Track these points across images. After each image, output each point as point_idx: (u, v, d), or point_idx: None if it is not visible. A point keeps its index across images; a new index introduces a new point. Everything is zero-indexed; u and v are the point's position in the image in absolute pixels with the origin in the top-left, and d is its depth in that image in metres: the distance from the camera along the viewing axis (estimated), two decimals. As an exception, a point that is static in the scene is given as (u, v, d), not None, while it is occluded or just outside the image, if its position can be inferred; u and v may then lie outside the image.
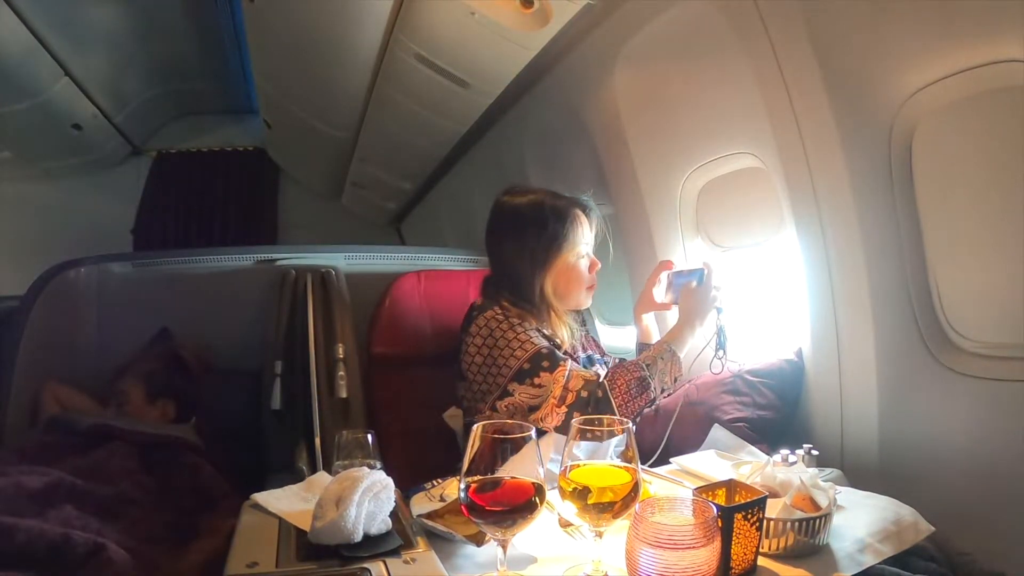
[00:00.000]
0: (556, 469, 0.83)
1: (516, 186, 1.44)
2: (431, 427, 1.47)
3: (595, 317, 2.01)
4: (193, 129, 4.70)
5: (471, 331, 1.30)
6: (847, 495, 1.01)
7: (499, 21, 1.59)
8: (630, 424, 0.82)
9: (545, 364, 1.24)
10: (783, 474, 0.93)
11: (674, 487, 1.08)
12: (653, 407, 1.35)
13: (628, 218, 1.89)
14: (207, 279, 1.87)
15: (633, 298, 1.96)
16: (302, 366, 1.53)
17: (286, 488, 1.04)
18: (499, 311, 1.29)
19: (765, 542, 0.85)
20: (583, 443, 0.81)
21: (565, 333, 1.36)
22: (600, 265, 1.40)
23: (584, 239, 1.37)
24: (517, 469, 0.78)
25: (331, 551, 0.83)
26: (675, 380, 1.30)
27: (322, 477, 1.10)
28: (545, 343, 1.28)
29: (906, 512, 0.94)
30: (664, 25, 1.48)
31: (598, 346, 1.58)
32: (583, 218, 1.37)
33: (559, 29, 1.57)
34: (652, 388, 1.24)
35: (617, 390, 1.22)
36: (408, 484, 1.13)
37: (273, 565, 0.82)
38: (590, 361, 1.45)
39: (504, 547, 0.79)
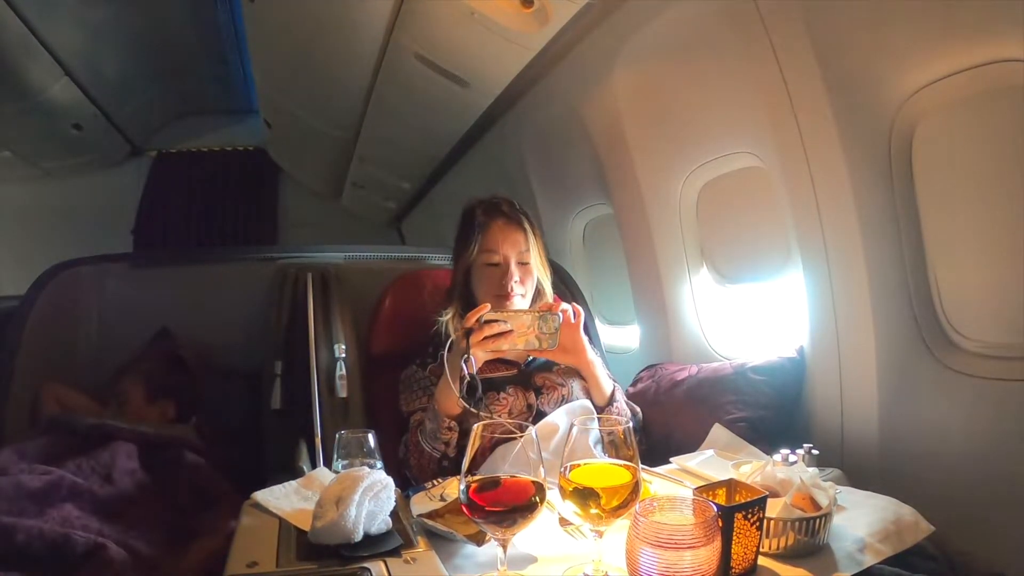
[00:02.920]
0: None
1: (486, 194, 1.47)
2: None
3: (595, 317, 2.01)
4: (193, 129, 4.70)
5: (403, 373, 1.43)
6: (847, 495, 1.01)
7: (499, 21, 1.58)
8: (630, 423, 0.82)
9: (407, 426, 1.36)
10: (783, 473, 0.93)
11: (674, 487, 1.08)
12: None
13: (628, 218, 1.89)
14: (207, 279, 1.87)
15: (633, 298, 1.97)
16: (302, 366, 1.53)
17: (285, 485, 1.04)
18: (411, 367, 1.41)
19: (765, 542, 0.85)
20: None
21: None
22: (514, 278, 1.34)
23: (488, 248, 1.35)
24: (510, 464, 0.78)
25: (331, 551, 0.83)
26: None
27: (321, 473, 1.10)
28: (407, 409, 1.37)
29: (906, 512, 0.94)
30: (664, 25, 1.48)
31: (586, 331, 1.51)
32: (498, 227, 1.36)
33: (559, 29, 1.57)
34: None
35: None
36: (408, 484, 1.14)
37: (273, 565, 0.82)
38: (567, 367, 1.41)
39: (504, 547, 0.79)
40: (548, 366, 1.39)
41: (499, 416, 1.29)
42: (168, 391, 1.64)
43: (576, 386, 1.37)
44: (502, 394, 1.32)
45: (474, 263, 1.37)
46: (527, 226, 1.39)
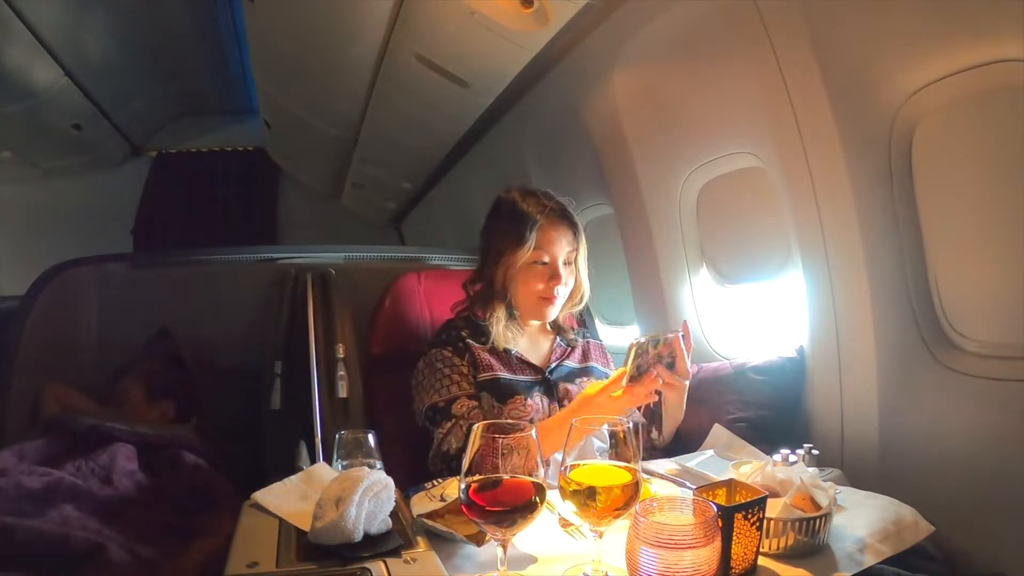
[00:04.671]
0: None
1: (515, 185, 1.42)
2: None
3: (595, 317, 2.01)
4: (193, 129, 4.71)
5: (419, 363, 1.35)
6: (847, 495, 1.01)
7: (499, 21, 1.58)
8: (630, 423, 0.82)
9: (437, 417, 1.28)
10: (783, 474, 0.93)
11: (674, 487, 1.08)
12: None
13: (628, 218, 1.89)
14: (207, 279, 1.87)
15: (633, 298, 1.97)
16: (302, 366, 1.53)
17: (286, 481, 1.04)
18: (439, 351, 1.32)
19: (765, 542, 0.85)
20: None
21: (499, 331, 1.33)
22: (562, 280, 1.31)
23: (540, 246, 1.30)
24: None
25: (331, 551, 0.83)
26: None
27: (322, 468, 1.09)
28: (447, 396, 1.28)
29: (906, 512, 0.94)
30: (664, 25, 1.48)
31: (604, 356, 1.49)
32: (551, 226, 1.31)
33: (559, 29, 1.57)
34: None
35: None
36: (408, 484, 1.14)
37: (273, 565, 0.82)
38: (585, 372, 1.40)
39: (504, 547, 0.79)
40: (571, 377, 1.37)
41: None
42: (168, 391, 1.64)
43: None
44: (529, 400, 1.29)
45: (525, 266, 1.30)
46: (576, 223, 1.34)
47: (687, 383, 1.24)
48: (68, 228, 4.11)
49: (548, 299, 1.32)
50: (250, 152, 4.79)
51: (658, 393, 1.23)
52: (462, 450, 1.22)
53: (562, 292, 1.32)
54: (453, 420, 1.26)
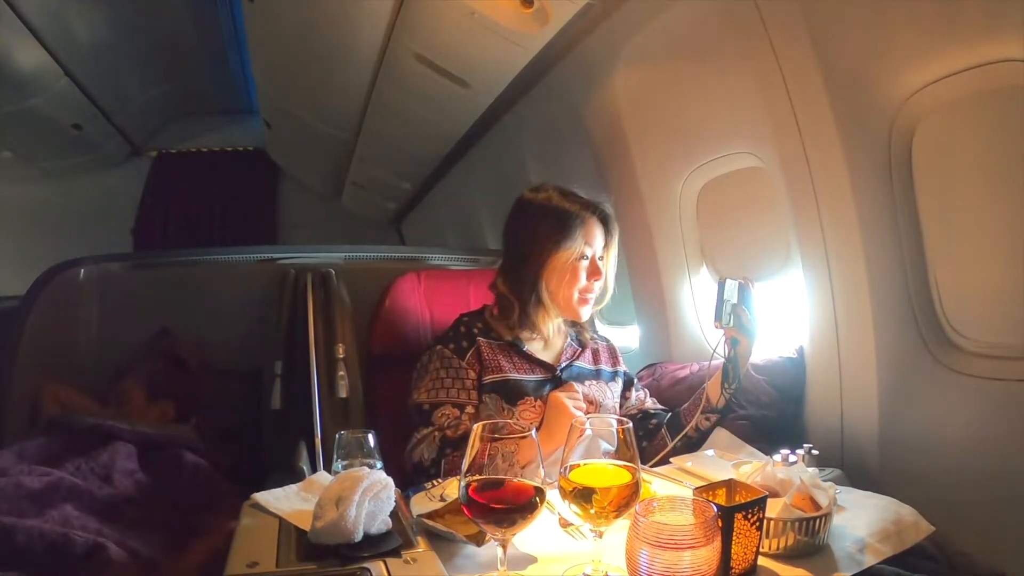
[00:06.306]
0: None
1: (543, 184, 1.41)
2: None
3: (595, 317, 2.00)
4: (193, 129, 4.72)
5: (423, 356, 1.35)
6: (847, 495, 1.01)
7: (499, 21, 1.59)
8: (630, 423, 0.82)
9: (419, 418, 1.28)
10: (783, 474, 0.93)
11: (674, 487, 1.08)
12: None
13: (628, 218, 1.89)
14: (207, 279, 1.87)
15: (633, 298, 1.97)
16: (302, 366, 1.53)
17: (286, 488, 1.04)
18: (442, 348, 1.31)
19: (765, 542, 0.85)
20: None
21: (550, 330, 1.33)
22: (603, 276, 1.32)
23: (586, 242, 1.30)
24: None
25: (331, 551, 0.83)
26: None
27: (322, 477, 1.10)
28: (433, 399, 1.28)
29: (906, 512, 0.94)
30: (664, 25, 1.48)
31: (613, 357, 1.47)
32: (592, 223, 1.31)
33: (559, 29, 1.57)
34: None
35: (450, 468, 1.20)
36: (408, 484, 1.13)
37: (273, 565, 0.82)
38: (596, 375, 1.39)
39: (504, 547, 0.79)
40: (581, 377, 1.35)
41: (532, 424, 1.19)
42: (168, 391, 1.64)
43: (609, 404, 1.35)
44: (539, 401, 1.27)
45: (569, 263, 1.29)
46: (611, 221, 1.34)
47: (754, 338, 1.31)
48: (68, 228, 4.12)
49: (588, 293, 1.31)
50: (250, 152, 4.80)
51: (734, 342, 1.30)
52: (435, 462, 1.22)
53: (598, 289, 1.32)
54: (431, 427, 1.25)
